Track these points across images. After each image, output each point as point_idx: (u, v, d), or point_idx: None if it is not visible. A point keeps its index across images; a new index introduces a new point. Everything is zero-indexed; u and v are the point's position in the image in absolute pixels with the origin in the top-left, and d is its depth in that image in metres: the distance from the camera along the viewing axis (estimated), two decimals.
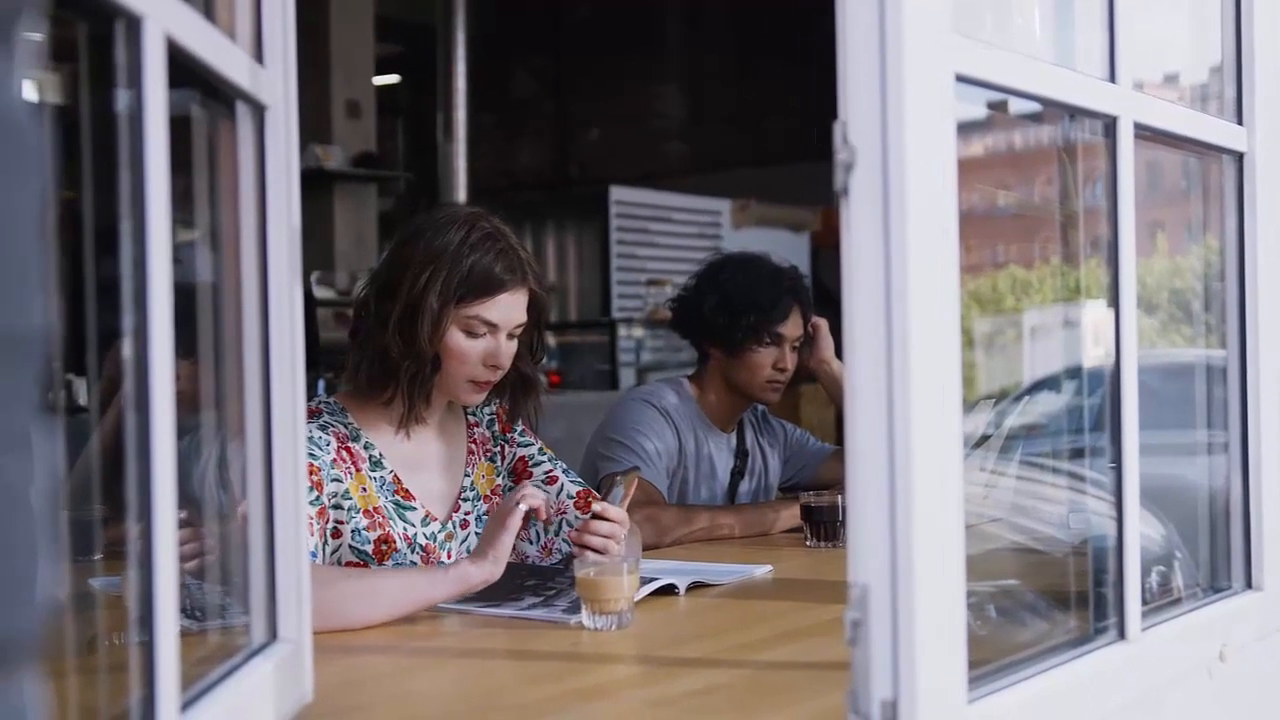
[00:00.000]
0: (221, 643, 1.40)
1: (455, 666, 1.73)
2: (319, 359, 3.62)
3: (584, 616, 1.87)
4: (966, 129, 1.29)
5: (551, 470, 2.38)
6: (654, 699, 1.53)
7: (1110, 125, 1.51)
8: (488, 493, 2.36)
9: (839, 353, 3.12)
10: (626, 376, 7.38)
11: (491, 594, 2.04)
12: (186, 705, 1.08)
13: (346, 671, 1.66)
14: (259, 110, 1.34)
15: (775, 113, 9.47)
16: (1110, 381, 1.53)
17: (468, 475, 2.34)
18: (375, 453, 2.22)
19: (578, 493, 2.35)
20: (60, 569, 0.61)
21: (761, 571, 2.34)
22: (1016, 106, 1.55)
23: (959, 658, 1.21)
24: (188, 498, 1.16)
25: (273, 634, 1.36)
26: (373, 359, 2.19)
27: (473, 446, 2.37)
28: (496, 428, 2.41)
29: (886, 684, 1.16)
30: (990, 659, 1.34)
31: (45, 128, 0.61)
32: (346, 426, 2.21)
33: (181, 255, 1.13)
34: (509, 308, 2.20)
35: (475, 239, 2.18)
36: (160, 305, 1.01)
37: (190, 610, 1.37)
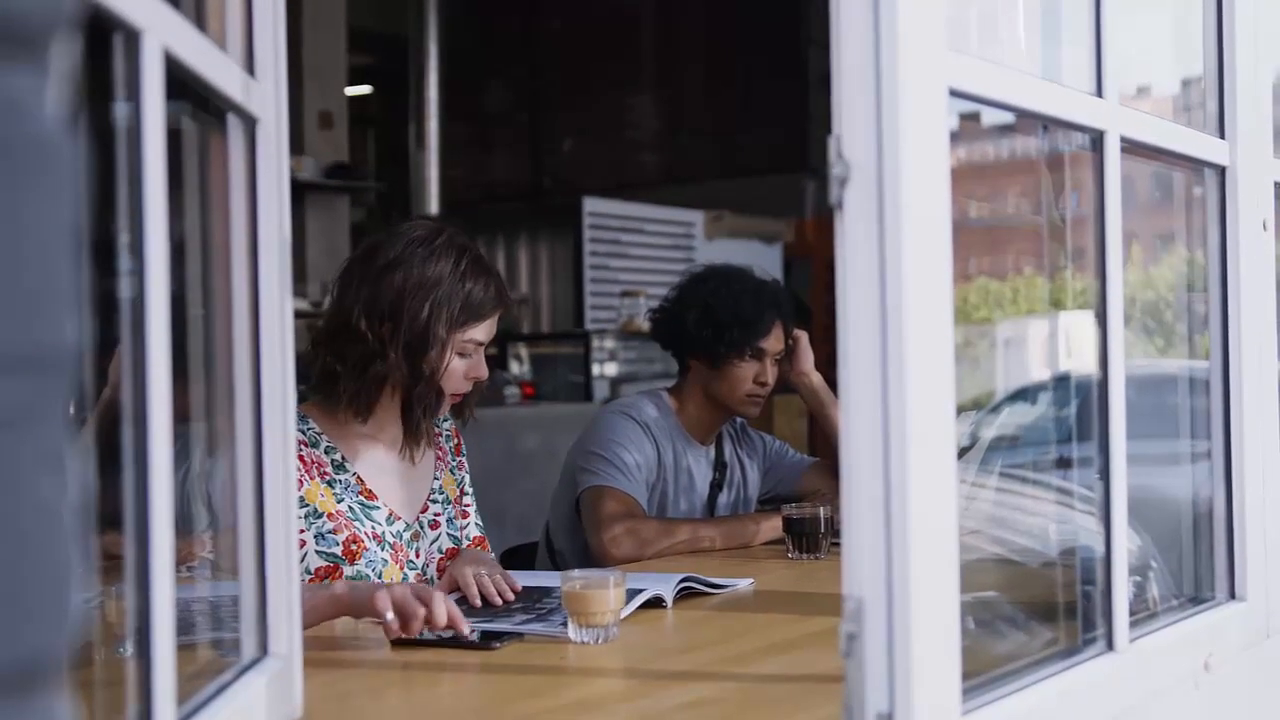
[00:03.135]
0: (210, 658, 1.39)
1: (444, 681, 1.73)
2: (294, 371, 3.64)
3: (570, 630, 1.86)
4: None
5: (469, 506, 2.50)
6: (646, 713, 1.53)
7: (1098, 139, 1.52)
8: (454, 498, 2.45)
9: (819, 365, 3.13)
10: (600, 388, 7.36)
11: (482, 611, 2.03)
12: None
13: (335, 686, 1.65)
14: (250, 123, 1.33)
15: (749, 125, 9.49)
16: (1097, 394, 1.54)
17: (436, 478, 2.42)
18: (338, 456, 2.27)
19: (475, 537, 2.47)
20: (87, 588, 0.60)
21: (745, 585, 2.34)
22: (989, 118, 1.56)
23: (954, 669, 1.21)
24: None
25: (264, 649, 1.35)
26: (371, 383, 2.24)
27: (439, 453, 2.45)
28: (452, 444, 2.50)
29: (882, 697, 1.16)
30: (981, 671, 1.34)
31: (77, 145, 0.61)
32: (305, 432, 2.25)
33: (171, 267, 1.12)
34: (494, 326, 2.33)
35: (466, 266, 2.27)
36: (157, 317, 1.00)
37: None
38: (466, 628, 1.85)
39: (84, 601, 0.61)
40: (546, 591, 2.16)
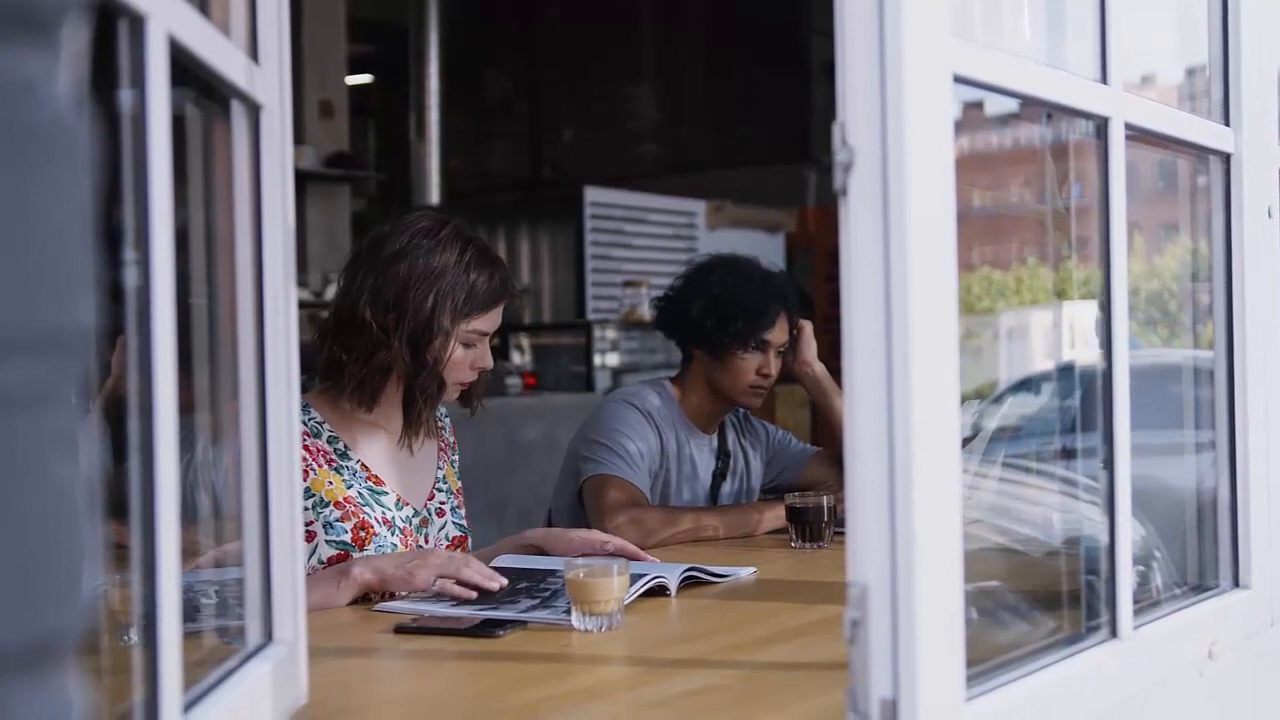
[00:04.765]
0: (214, 644, 1.39)
1: (448, 669, 1.73)
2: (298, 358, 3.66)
3: (574, 618, 1.86)
4: None
5: (459, 504, 2.49)
6: (650, 700, 1.53)
7: (1102, 126, 1.52)
8: (456, 489, 2.48)
9: (822, 355, 3.13)
10: (602, 378, 7.37)
11: (486, 598, 2.03)
12: (188, 707, 1.08)
13: (340, 673, 1.66)
14: (254, 110, 1.33)
15: (750, 114, 9.49)
16: (1102, 382, 1.54)
17: (440, 468, 2.44)
18: (340, 445, 2.29)
19: (455, 537, 2.45)
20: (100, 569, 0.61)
21: (747, 573, 2.34)
22: (993, 107, 1.55)
23: (958, 656, 1.21)
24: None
25: (268, 636, 1.35)
26: (375, 372, 2.26)
27: (442, 445, 2.48)
28: (451, 440, 2.53)
29: (886, 683, 1.16)
30: (986, 658, 1.34)
31: (90, 126, 0.61)
32: (306, 423, 2.26)
33: (175, 256, 1.12)
34: (498, 316, 2.34)
35: (471, 257, 2.28)
36: (163, 305, 1.00)
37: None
38: (498, 583, 2.05)
39: (97, 583, 0.61)
40: (550, 572, 2.17)
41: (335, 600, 2.04)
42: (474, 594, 2.02)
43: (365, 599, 2.08)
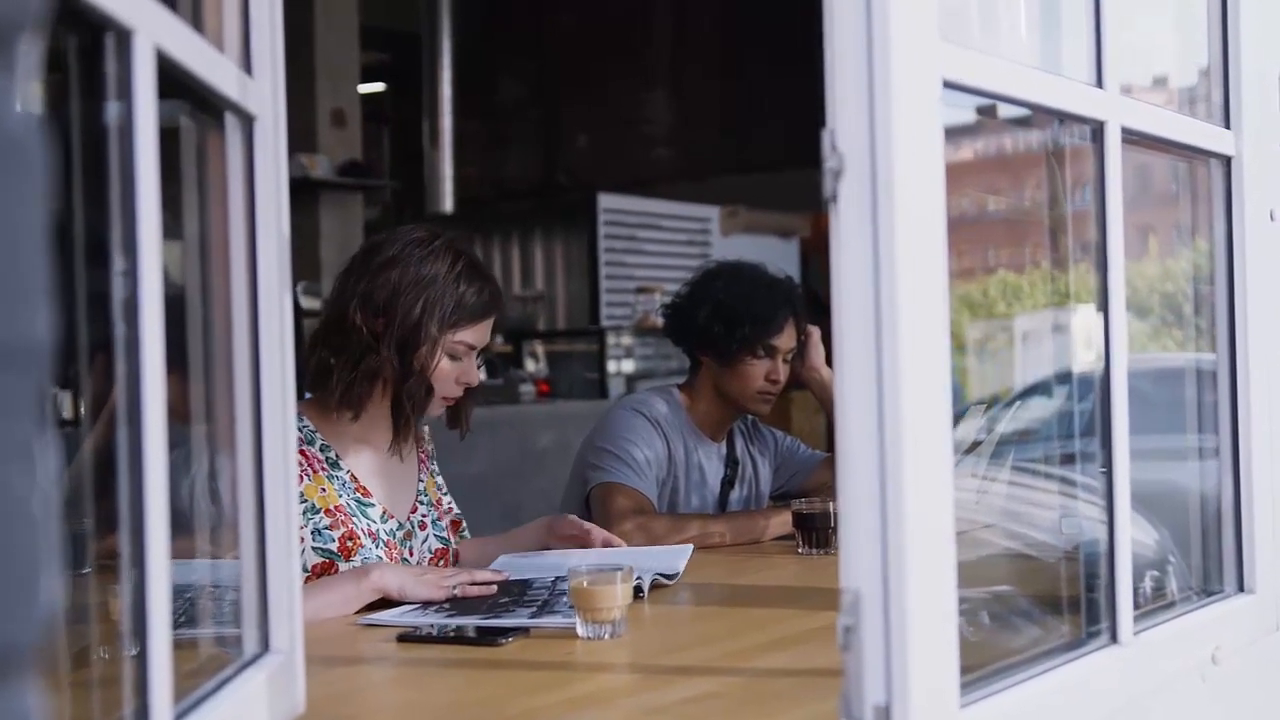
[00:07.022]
0: (212, 654, 1.39)
1: (447, 677, 1.73)
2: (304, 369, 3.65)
3: (578, 626, 1.86)
4: (955, 134, 1.30)
5: (439, 516, 2.49)
6: (649, 707, 1.53)
7: (1098, 130, 1.51)
8: (436, 500, 2.49)
9: (830, 360, 3.12)
10: (616, 385, 7.37)
11: (476, 609, 2.03)
12: (180, 717, 1.08)
13: (338, 683, 1.66)
14: (248, 121, 1.34)
15: (763, 119, 9.48)
16: (1101, 385, 1.53)
17: (420, 480, 2.47)
18: (332, 454, 2.31)
19: (437, 549, 2.45)
20: (60, 580, 0.61)
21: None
22: (1005, 112, 1.55)
23: (951, 662, 1.21)
24: (178, 511, 1.16)
25: (265, 645, 1.36)
26: (363, 377, 2.27)
27: (423, 457, 2.50)
28: (430, 449, 2.55)
29: (879, 689, 1.16)
30: (983, 664, 1.34)
31: (46, 140, 0.62)
32: (301, 430, 2.28)
33: (169, 267, 1.13)
34: (487, 331, 2.36)
35: (461, 269, 2.31)
36: (151, 317, 1.01)
37: (178, 619, 1.37)
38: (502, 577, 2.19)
39: (56, 594, 0.61)
40: (528, 584, 2.18)
41: (351, 603, 2.07)
42: (494, 588, 2.14)
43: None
